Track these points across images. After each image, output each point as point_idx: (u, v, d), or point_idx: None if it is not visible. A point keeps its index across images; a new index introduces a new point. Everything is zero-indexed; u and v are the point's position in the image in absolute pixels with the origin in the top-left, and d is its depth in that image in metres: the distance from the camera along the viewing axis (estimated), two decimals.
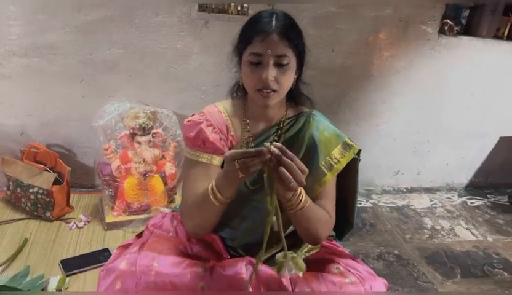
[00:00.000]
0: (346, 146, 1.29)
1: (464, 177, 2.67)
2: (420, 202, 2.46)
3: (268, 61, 1.16)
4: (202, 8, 1.97)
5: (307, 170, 1.00)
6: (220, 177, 1.12)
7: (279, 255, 1.01)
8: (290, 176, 0.95)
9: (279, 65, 1.17)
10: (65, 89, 2.01)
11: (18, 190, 1.92)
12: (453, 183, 2.65)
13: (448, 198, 2.53)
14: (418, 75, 2.31)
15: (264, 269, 1.18)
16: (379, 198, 2.46)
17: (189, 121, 1.30)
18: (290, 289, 1.17)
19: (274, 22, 1.16)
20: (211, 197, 1.12)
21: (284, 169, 0.95)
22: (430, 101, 2.39)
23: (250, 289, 1.15)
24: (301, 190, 1.10)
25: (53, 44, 1.92)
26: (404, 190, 2.56)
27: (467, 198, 2.55)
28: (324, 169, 1.26)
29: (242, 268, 1.17)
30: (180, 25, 1.99)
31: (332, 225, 1.30)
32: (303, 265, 1.01)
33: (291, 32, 1.18)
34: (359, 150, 1.32)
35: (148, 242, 1.30)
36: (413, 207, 2.40)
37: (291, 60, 1.18)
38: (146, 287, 1.15)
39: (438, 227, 2.24)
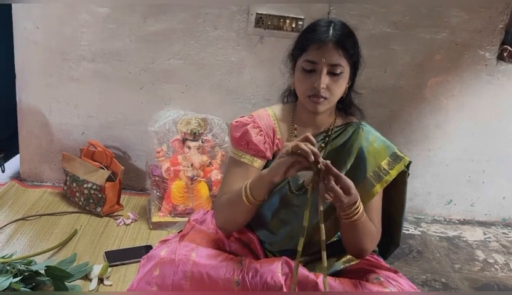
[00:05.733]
0: (396, 157, 1.27)
1: None
2: (473, 234, 2.33)
3: (321, 69, 1.19)
4: (258, 24, 2.06)
5: (352, 187, 1.08)
6: (256, 177, 1.17)
7: None
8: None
9: (332, 74, 1.20)
10: (126, 94, 2.14)
11: (74, 185, 2.03)
12: (510, 219, 2.49)
13: (504, 233, 2.38)
14: (475, 101, 2.24)
15: (300, 270, 1.17)
16: (428, 226, 2.35)
17: (237, 122, 1.35)
18: None
19: (331, 31, 1.20)
20: (243, 196, 1.17)
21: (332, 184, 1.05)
22: (487, 128, 2.29)
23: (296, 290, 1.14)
24: (359, 202, 1.13)
25: (119, 52, 2.07)
26: (456, 221, 2.44)
27: None
28: (372, 181, 1.24)
29: (278, 268, 1.18)
30: (237, 40, 2.08)
31: (378, 238, 1.28)
32: None
33: (347, 42, 1.21)
34: (409, 163, 1.29)
35: (188, 234, 1.34)
36: (464, 238, 2.28)
37: (344, 70, 1.21)
38: (182, 276, 1.18)
39: (491, 261, 2.10)
